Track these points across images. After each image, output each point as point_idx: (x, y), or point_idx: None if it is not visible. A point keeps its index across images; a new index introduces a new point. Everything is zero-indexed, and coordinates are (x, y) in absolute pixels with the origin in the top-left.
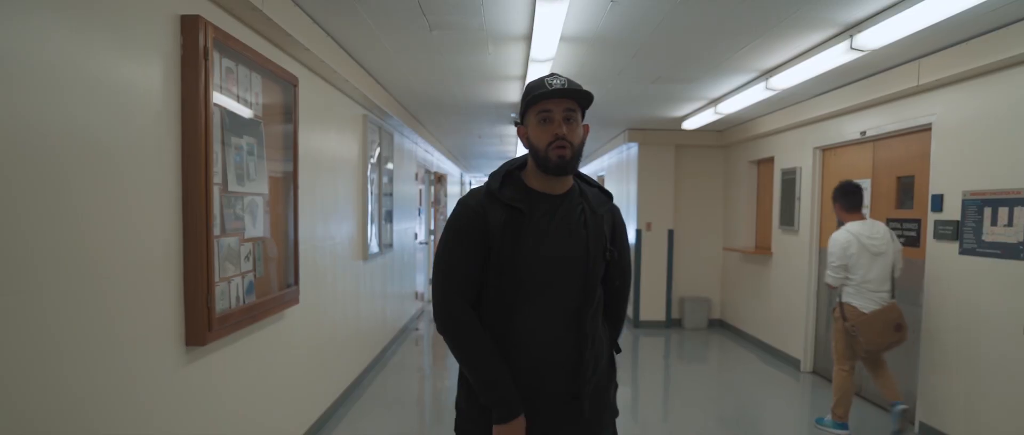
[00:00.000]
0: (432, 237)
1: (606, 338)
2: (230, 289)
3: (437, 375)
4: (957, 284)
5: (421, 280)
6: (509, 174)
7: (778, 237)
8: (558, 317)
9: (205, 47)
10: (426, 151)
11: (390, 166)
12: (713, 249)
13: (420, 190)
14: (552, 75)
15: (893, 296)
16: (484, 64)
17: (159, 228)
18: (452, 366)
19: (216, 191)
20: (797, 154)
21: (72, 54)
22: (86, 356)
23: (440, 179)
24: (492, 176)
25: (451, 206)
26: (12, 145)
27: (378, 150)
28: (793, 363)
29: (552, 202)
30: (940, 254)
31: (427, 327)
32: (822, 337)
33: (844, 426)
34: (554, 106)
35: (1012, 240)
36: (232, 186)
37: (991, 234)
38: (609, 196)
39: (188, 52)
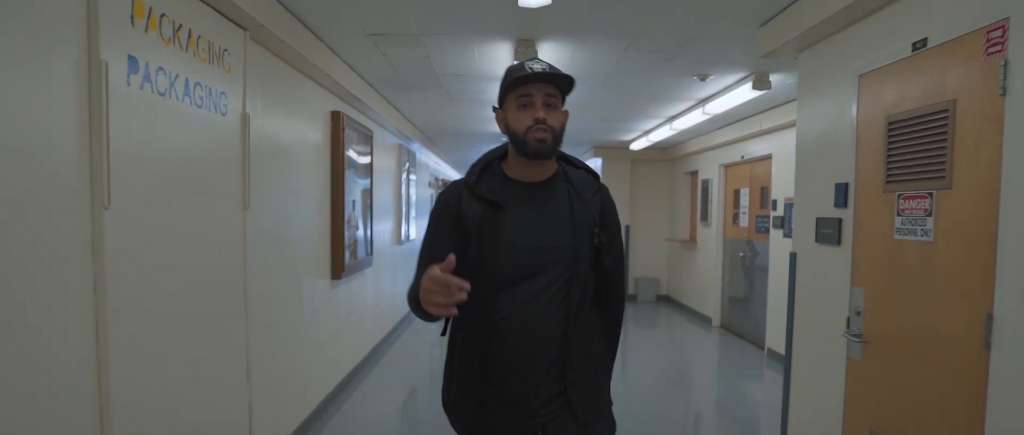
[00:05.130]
0: None
1: (599, 326)
2: (347, 253)
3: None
4: (782, 256)
5: None
6: (488, 165)
7: (700, 229)
8: (542, 308)
9: (342, 127)
10: (436, 163)
11: (413, 177)
12: (660, 240)
13: (431, 195)
14: (533, 59)
15: None
16: (484, 112)
17: (320, 218)
18: None
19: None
20: (710, 168)
21: (298, 129)
22: (294, 282)
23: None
24: (471, 168)
25: None
26: (268, 177)
27: (407, 166)
28: (707, 321)
29: (533, 190)
30: (775, 238)
31: None
32: (726, 303)
33: None
34: (535, 90)
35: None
36: (347, 197)
37: None
38: (596, 177)
39: (335, 130)
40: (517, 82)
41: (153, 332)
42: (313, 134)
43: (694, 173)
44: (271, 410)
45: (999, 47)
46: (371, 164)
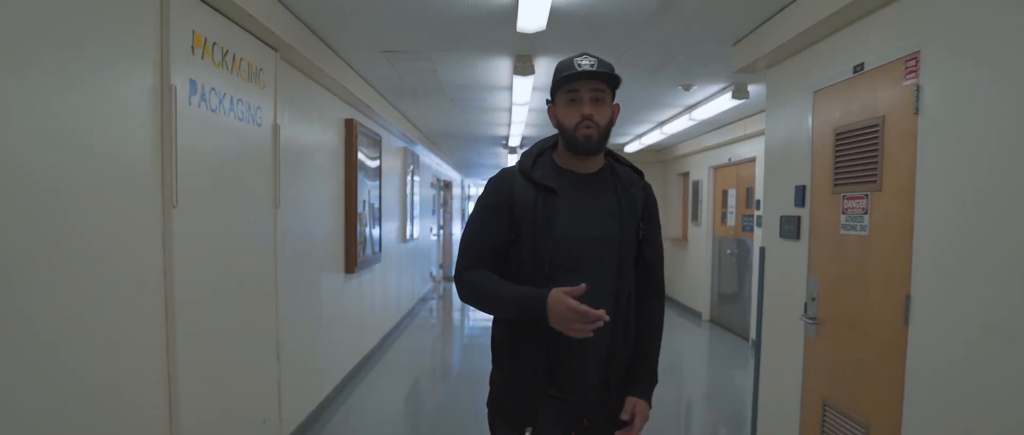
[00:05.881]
0: (441, 231)
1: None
2: (359, 249)
3: (445, 326)
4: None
5: (434, 267)
6: (541, 154)
7: (691, 228)
8: (594, 298)
9: (355, 133)
10: (438, 165)
11: (417, 178)
12: None
13: (433, 195)
14: (582, 54)
15: None
16: (484, 118)
17: (336, 217)
18: (455, 319)
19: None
20: (701, 170)
21: (317, 136)
22: (314, 275)
23: (447, 186)
24: (525, 155)
25: (456, 208)
26: (305, 180)
27: (411, 168)
28: (697, 315)
29: (584, 180)
30: (759, 236)
31: (437, 303)
32: (715, 298)
33: None
34: (582, 87)
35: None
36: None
37: None
38: (640, 174)
39: (348, 135)
40: (564, 79)
41: (207, 314)
42: (329, 140)
43: (685, 174)
44: (295, 390)
45: (914, 74)
46: (380, 167)
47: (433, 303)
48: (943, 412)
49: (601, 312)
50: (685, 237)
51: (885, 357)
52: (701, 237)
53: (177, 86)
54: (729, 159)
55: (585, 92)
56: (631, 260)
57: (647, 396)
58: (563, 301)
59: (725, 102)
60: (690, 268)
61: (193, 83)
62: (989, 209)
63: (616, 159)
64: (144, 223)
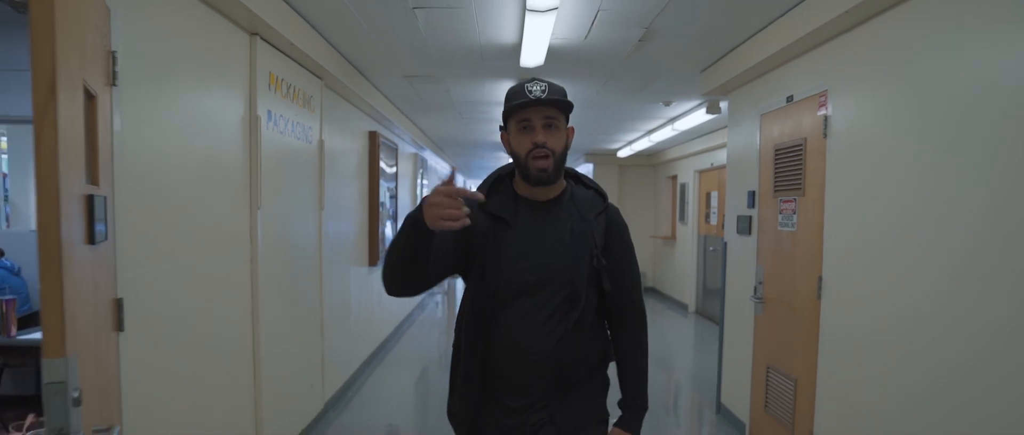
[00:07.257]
0: None
1: (600, 348)
2: (379, 246)
3: (450, 319)
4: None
5: None
6: (499, 180)
7: (679, 227)
8: (540, 325)
9: (377, 144)
10: (444, 168)
11: (425, 182)
12: (646, 237)
13: None
14: (533, 80)
15: None
16: (488, 127)
17: (361, 216)
18: None
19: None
20: (687, 173)
21: (348, 148)
22: (345, 267)
23: None
24: (483, 182)
25: None
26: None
27: (421, 172)
28: (684, 307)
29: (540, 208)
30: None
31: (442, 297)
32: (701, 292)
33: None
34: (534, 114)
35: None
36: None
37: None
38: (604, 197)
39: (372, 146)
40: (515, 108)
41: (276, 297)
42: (357, 150)
43: (673, 177)
44: (333, 363)
45: (824, 107)
46: (396, 173)
47: (439, 297)
48: (845, 364)
49: (472, 192)
50: (673, 235)
51: (806, 326)
52: (688, 235)
53: (261, 115)
54: (711, 164)
55: (537, 120)
56: (583, 288)
57: (631, 426)
58: (436, 189)
59: (701, 116)
60: (678, 264)
61: (269, 112)
62: (871, 210)
63: (578, 181)
64: (240, 220)
